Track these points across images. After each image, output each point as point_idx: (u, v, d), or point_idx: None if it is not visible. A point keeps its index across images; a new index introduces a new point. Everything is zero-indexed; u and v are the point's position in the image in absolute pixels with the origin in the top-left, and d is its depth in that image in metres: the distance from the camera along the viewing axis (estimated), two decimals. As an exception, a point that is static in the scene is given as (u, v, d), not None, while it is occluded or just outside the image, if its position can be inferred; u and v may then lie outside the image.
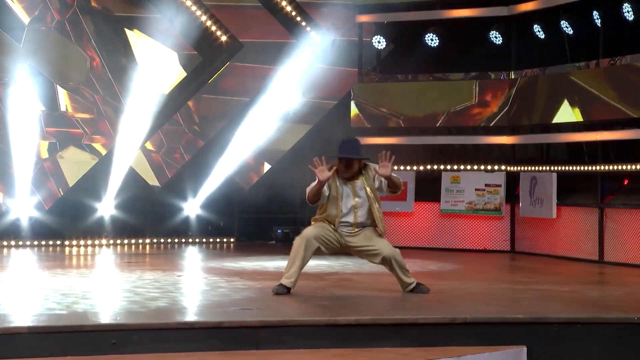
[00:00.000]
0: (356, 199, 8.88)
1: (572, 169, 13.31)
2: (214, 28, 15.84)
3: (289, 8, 16.00)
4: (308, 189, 8.84)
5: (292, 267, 8.79)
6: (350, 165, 8.86)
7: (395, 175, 8.87)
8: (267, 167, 16.19)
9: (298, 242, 8.85)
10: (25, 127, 15.00)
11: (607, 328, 7.52)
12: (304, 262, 8.84)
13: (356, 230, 8.90)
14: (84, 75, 15.35)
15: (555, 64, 13.62)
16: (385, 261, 8.93)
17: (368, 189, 8.89)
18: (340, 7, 15.75)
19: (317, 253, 8.94)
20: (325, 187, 8.82)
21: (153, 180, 15.80)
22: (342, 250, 9.05)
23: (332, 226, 8.88)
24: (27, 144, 15.02)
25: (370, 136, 15.06)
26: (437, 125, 14.63)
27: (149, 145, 15.74)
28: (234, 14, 15.89)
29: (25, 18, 15.08)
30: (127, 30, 15.52)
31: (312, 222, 9.00)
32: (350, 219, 8.88)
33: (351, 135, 9.30)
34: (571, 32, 13.32)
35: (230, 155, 15.88)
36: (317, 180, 8.72)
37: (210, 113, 16.02)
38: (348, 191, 8.88)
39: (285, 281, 8.78)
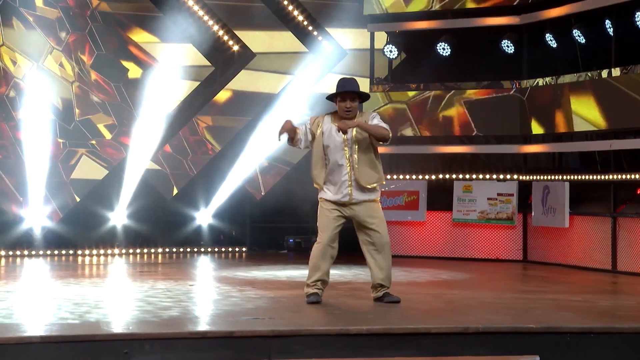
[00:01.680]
0: (346, 150, 8.58)
1: (585, 178, 13.28)
2: (226, 37, 15.87)
3: (300, 18, 16.03)
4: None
5: (313, 275, 8.75)
6: (352, 103, 8.55)
7: (369, 124, 8.49)
8: (278, 177, 16.18)
9: (316, 251, 8.76)
10: (39, 135, 15.06)
11: (620, 338, 7.49)
12: (326, 269, 8.76)
13: (355, 193, 8.61)
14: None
15: (567, 73, 13.60)
16: (373, 249, 8.77)
17: (359, 136, 8.56)
18: (351, 16, 15.76)
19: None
20: (306, 131, 8.62)
21: (165, 190, 15.82)
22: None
23: (334, 201, 8.65)
24: (41, 153, 15.07)
25: (381, 145, 15.03)
26: (449, 134, 14.62)
27: (161, 155, 15.77)
28: (245, 23, 15.93)
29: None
30: (139, 41, 15.56)
31: (319, 200, 8.80)
32: (344, 176, 8.61)
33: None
34: (583, 40, 13.31)
35: (242, 164, 15.90)
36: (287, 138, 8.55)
37: (222, 122, 16.03)
38: (338, 143, 8.59)
39: (307, 290, 8.77)
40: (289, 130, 8.62)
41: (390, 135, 8.73)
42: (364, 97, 8.77)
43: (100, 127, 15.47)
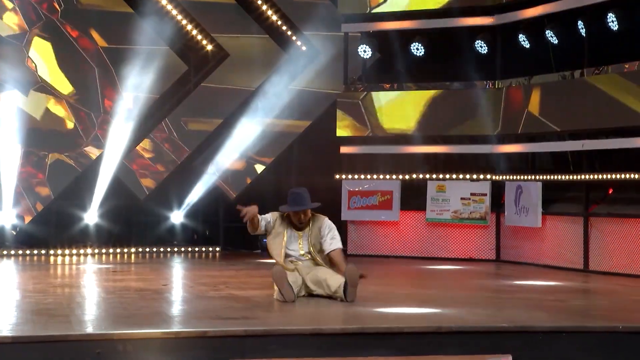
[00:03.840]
0: (300, 246, 9.18)
1: (558, 178, 13.35)
2: (199, 37, 15.84)
3: (274, 17, 16.02)
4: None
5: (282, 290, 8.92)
6: (305, 216, 9.15)
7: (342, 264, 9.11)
8: (252, 176, 16.17)
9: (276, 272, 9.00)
10: (10, 135, 14.97)
11: (592, 337, 7.53)
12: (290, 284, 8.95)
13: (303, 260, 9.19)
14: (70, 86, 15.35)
15: (540, 73, 13.66)
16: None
17: (312, 241, 9.17)
18: (326, 16, 15.77)
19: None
20: (267, 223, 9.22)
21: (138, 189, 15.77)
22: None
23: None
24: (11, 153, 14.98)
25: (355, 145, 15.10)
26: (423, 134, 14.65)
27: (134, 154, 15.71)
28: (219, 23, 15.89)
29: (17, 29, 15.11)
30: (111, 41, 15.50)
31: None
32: (294, 253, 9.17)
33: (299, 187, 9.54)
34: (556, 41, 13.37)
35: (215, 164, 15.87)
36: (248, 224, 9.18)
37: (196, 122, 15.99)
38: (294, 235, 9.20)
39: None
40: (253, 215, 9.15)
41: (341, 247, 9.26)
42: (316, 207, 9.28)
43: (73, 126, 15.39)
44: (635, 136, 12.17)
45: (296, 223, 9.19)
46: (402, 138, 14.85)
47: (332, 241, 9.15)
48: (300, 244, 9.20)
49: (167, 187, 15.99)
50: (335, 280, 8.93)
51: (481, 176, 14.38)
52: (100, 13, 15.51)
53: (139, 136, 15.66)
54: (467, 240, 14.43)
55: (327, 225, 9.25)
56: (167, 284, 11.20)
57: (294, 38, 16.06)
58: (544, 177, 13.49)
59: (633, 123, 12.17)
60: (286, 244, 9.18)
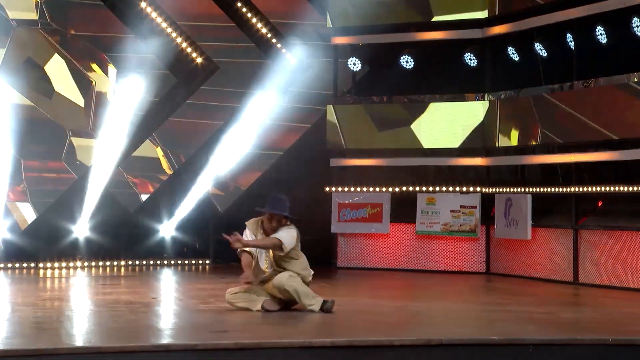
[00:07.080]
0: (266, 261, 9.27)
1: (547, 191, 13.38)
2: (189, 50, 15.84)
3: (264, 30, 16.03)
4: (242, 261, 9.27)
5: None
6: (278, 224, 9.16)
7: (253, 242, 9.18)
8: (242, 189, 16.16)
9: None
10: (1, 145, 14.93)
11: (582, 349, 7.54)
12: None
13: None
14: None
15: (530, 86, 13.70)
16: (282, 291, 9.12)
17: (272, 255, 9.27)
18: (315, 29, 15.79)
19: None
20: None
21: (128, 202, 15.74)
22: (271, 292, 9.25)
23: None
24: (1, 165, 14.94)
25: (345, 158, 15.11)
26: (413, 147, 14.67)
27: (123, 167, 15.68)
28: (208, 35, 15.90)
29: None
30: (103, 54, 15.49)
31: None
32: (262, 266, 9.30)
33: (281, 194, 9.59)
34: (545, 54, 13.42)
35: (205, 177, 15.85)
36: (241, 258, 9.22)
37: (185, 135, 15.98)
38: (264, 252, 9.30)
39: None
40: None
41: (282, 242, 9.15)
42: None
43: (61, 139, 15.35)
44: (624, 149, 12.22)
45: (267, 230, 9.24)
46: (391, 150, 14.86)
47: (279, 234, 9.14)
48: (266, 258, 9.29)
49: (157, 200, 15.96)
50: (309, 300, 9.02)
51: (471, 189, 14.39)
52: (88, 25, 15.49)
53: (128, 149, 15.63)
54: (457, 253, 14.44)
55: (289, 229, 9.22)
56: (157, 297, 11.18)
57: (283, 51, 16.07)
58: (534, 189, 13.52)
59: (622, 135, 12.22)
60: (257, 257, 9.28)
